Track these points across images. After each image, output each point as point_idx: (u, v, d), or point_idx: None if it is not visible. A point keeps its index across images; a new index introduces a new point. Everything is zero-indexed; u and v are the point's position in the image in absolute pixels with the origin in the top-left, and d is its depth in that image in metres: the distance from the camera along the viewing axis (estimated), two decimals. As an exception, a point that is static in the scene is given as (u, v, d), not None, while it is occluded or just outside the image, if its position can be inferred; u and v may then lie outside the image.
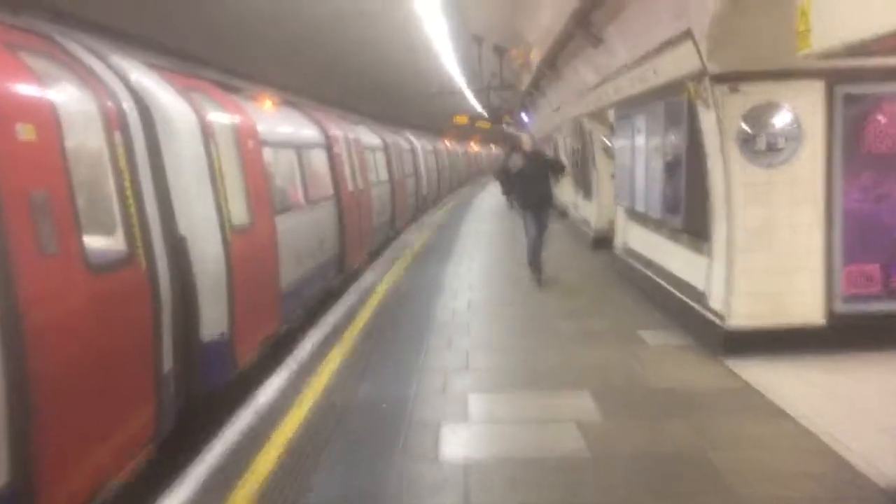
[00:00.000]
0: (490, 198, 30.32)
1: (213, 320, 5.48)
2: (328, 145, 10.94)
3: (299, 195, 9.00)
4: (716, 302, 7.02)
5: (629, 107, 9.91)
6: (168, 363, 4.72)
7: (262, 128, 7.51)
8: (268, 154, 7.72)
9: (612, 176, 11.98)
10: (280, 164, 8.64)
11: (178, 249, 5.08)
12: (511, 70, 20.21)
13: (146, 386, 4.41)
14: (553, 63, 14.03)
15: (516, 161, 10.52)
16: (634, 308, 8.80)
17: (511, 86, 20.83)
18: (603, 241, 13.77)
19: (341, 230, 10.91)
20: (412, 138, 24.25)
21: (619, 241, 11.53)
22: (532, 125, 30.30)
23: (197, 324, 5.30)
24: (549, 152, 24.44)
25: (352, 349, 7.24)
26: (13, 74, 3.38)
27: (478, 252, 14.38)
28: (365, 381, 6.27)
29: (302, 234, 8.58)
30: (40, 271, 3.26)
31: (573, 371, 6.44)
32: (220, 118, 6.39)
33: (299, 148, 9.29)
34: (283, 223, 7.64)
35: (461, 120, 25.67)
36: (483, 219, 21.48)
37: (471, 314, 8.81)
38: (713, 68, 6.58)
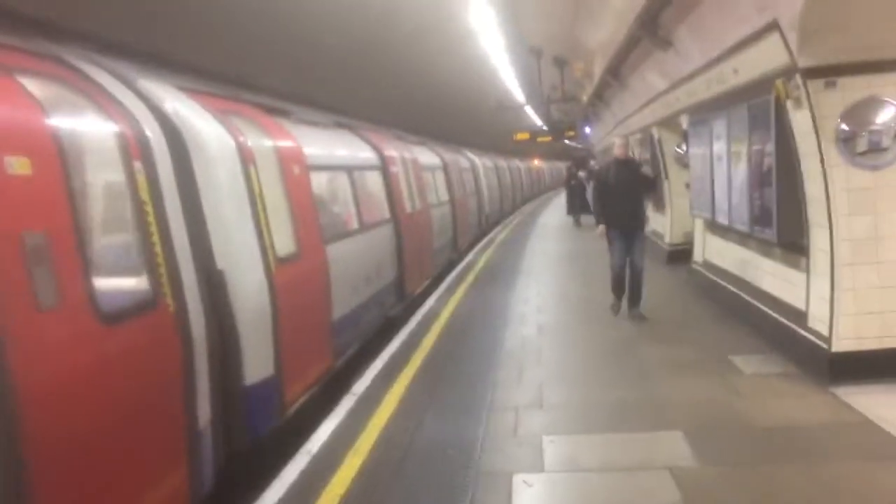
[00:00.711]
0: (555, 214, 29.60)
1: (257, 362, 5.00)
2: (384, 167, 10.49)
3: (353, 220, 8.55)
4: (818, 323, 6.24)
5: (705, 111, 9.18)
6: (204, 415, 4.25)
7: (309, 151, 7.08)
8: (317, 179, 7.30)
9: (687, 186, 11.19)
10: (331, 190, 8.23)
11: (215, 285, 4.64)
12: (573, 82, 19.56)
13: (177, 445, 3.94)
14: (617, 72, 13.38)
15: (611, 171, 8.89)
16: (722, 330, 8.01)
17: (573, 98, 20.14)
18: (678, 256, 12.97)
19: (399, 255, 10.41)
20: (472, 156, 23.71)
21: (697, 256, 10.73)
22: (595, 137, 29.52)
23: (239, 367, 4.82)
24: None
25: (413, 384, 6.70)
26: (4, 100, 2.96)
27: (546, 273, 13.67)
28: (427, 422, 5.70)
29: (356, 262, 8.11)
30: (36, 329, 2.80)
31: (662, 407, 5.73)
32: (261, 143, 5.99)
33: (352, 171, 8.83)
34: (335, 251, 7.17)
35: (522, 136, 25.01)
36: (548, 237, 20.75)
37: (542, 340, 8.17)
38: (805, 62, 5.86)
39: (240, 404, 4.83)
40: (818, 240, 6.19)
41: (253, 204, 5.26)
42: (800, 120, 6.12)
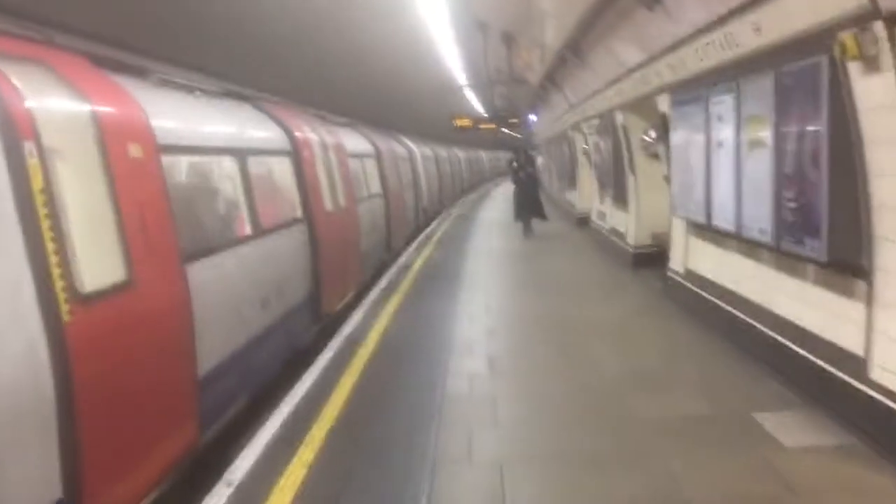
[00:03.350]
0: (497, 206, 27.75)
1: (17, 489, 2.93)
2: (294, 151, 8.18)
3: (241, 224, 6.31)
4: (885, 374, 4.45)
5: (695, 87, 7.34)
6: None
7: (164, 125, 4.88)
8: (176, 166, 5.19)
9: (666, 178, 9.35)
10: (204, 182, 6.00)
11: None
12: (522, 64, 17.63)
13: None
14: (577, 46, 11.51)
15: None
16: (728, 367, 6.21)
17: (520, 80, 18.23)
18: (644, 261, 11.25)
19: (315, 264, 8.17)
20: (410, 144, 21.54)
21: (676, 264, 8.92)
22: (541, 125, 27.77)
23: None
24: (565, 154, 21.91)
25: (317, 464, 4.65)
26: None
27: (493, 279, 11.71)
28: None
29: (243, 283, 5.90)
30: None
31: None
32: (62, 107, 3.81)
33: (244, 156, 6.49)
34: (205, 271, 5.01)
35: (463, 122, 23.05)
36: (492, 232, 18.77)
37: (495, 383, 6.21)
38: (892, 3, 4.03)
39: None
40: (888, 260, 4.39)
41: (25, 206, 3.20)
42: (873, 90, 4.28)
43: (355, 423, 5.28)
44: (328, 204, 9.14)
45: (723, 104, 6.54)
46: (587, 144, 16.85)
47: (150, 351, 4.11)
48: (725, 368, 6.21)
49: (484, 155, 55.26)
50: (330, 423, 5.27)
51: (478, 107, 29.00)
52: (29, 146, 3.28)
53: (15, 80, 3.41)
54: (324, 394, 5.93)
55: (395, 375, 6.44)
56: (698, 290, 8.01)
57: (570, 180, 21.14)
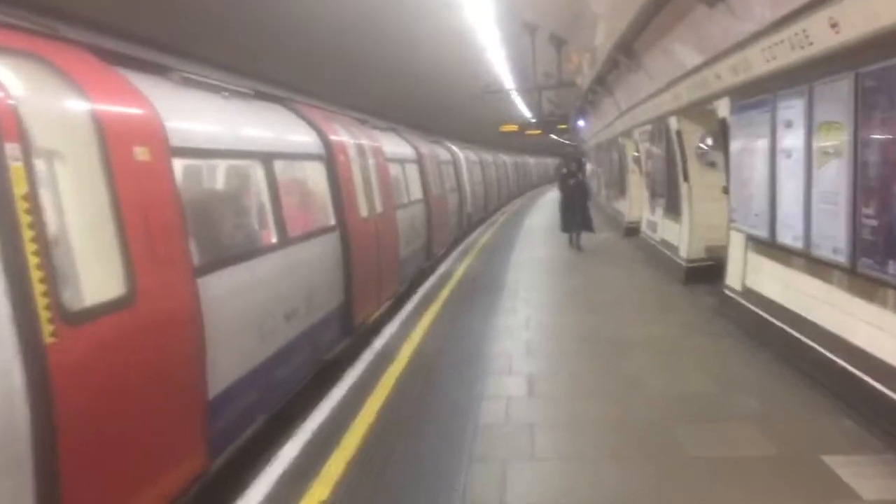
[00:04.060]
0: (544, 213, 27.17)
1: None
2: (328, 156, 7.81)
3: (265, 233, 5.96)
4: None
5: (763, 91, 6.75)
6: None
7: (179, 126, 4.53)
8: (191, 170, 4.89)
9: (724, 189, 8.72)
10: (223, 187, 5.68)
11: None
12: (572, 67, 17.08)
13: None
14: (630, 47, 10.93)
15: None
16: (796, 401, 5.55)
17: (569, 83, 17.63)
18: (698, 275, 10.62)
19: (347, 273, 7.78)
20: (454, 148, 21.10)
21: (733, 281, 8.30)
22: (590, 131, 27.07)
23: None
24: (614, 161, 21.18)
25: (332, 499, 4.22)
26: None
27: (536, 292, 11.16)
28: None
29: (265, 295, 5.51)
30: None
31: None
32: (56, 105, 3.48)
33: (271, 160, 6.08)
34: (221, 284, 4.64)
35: (509, 128, 22.53)
36: (537, 241, 18.23)
37: (533, 408, 5.73)
38: None
39: None
40: None
41: (5, 214, 2.86)
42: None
43: (378, 456, 4.81)
44: (364, 210, 8.76)
45: (792, 109, 5.99)
46: (638, 151, 16.22)
47: (152, 374, 3.74)
48: (788, 400, 5.60)
49: (531, 160, 54.71)
50: (350, 453, 4.84)
51: (525, 112, 28.47)
52: (11, 148, 2.95)
53: (1, 76, 3.10)
54: (347, 418, 5.50)
55: (425, 398, 5.97)
56: (757, 310, 7.41)
57: (620, 188, 20.49)
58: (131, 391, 3.55)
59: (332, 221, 7.63)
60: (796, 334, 6.32)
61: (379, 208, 9.65)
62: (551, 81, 17.78)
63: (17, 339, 2.82)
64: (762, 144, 6.78)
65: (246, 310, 5.07)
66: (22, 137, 3.03)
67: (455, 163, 20.07)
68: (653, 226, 14.39)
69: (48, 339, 2.94)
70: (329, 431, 5.24)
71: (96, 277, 3.41)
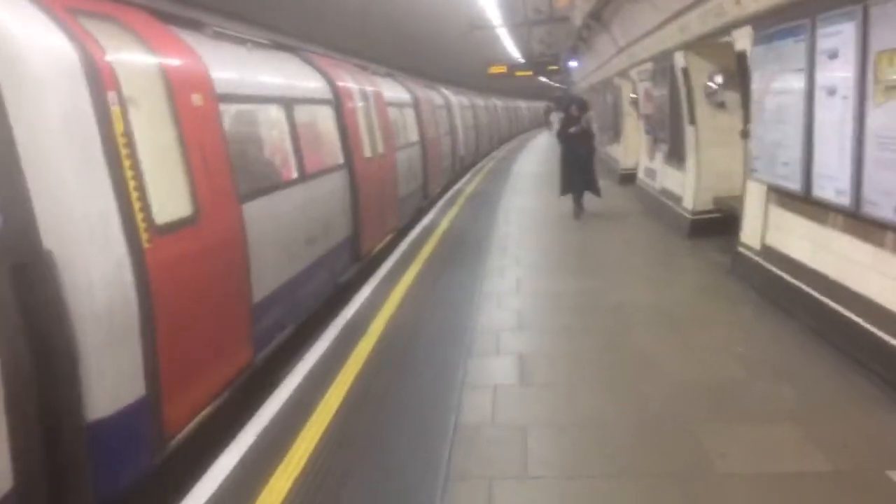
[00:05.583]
0: (535, 158, 26.12)
1: (111, 384, 3.53)
2: (337, 101, 8.64)
3: (288, 168, 6.82)
4: None
5: (797, 15, 5.64)
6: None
7: (222, 76, 5.35)
8: (232, 114, 5.68)
9: (744, 134, 7.64)
10: (255, 129, 6.54)
11: (35, 274, 3.21)
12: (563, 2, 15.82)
13: None
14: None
15: None
16: (843, 393, 4.55)
17: (562, 18, 16.33)
18: (705, 228, 9.67)
19: (354, 208, 8.69)
20: (447, 93, 21.28)
21: (749, 238, 7.33)
22: (582, 73, 25.74)
23: (77, 395, 3.35)
24: (608, 104, 19.85)
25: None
26: None
27: (526, 249, 10.12)
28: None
29: (291, 222, 6.43)
30: None
31: None
32: (138, 61, 4.30)
33: (291, 105, 6.99)
34: (258, 209, 5.52)
35: (498, 69, 21.33)
36: (527, 189, 17.15)
37: (526, 402, 4.78)
38: None
39: (78, 452, 3.35)
40: None
41: (111, 148, 3.66)
42: None
43: (328, 485, 3.83)
44: (368, 151, 9.57)
45: (838, 36, 4.90)
46: (635, 93, 15.08)
47: (212, 278, 4.63)
48: (832, 389, 4.63)
49: (523, 105, 53.91)
50: (293, 475, 3.86)
51: (515, 53, 27.18)
52: (112, 95, 3.72)
53: (97, 37, 3.82)
54: (297, 421, 4.50)
55: (395, 392, 4.91)
56: (780, 273, 6.45)
57: (614, 133, 19.37)
58: (199, 290, 4.41)
59: (342, 160, 8.45)
60: (834, 305, 5.35)
61: (381, 150, 10.42)
62: (542, 16, 16.52)
63: (126, 244, 3.65)
64: (795, 80, 5.69)
65: (277, 233, 5.97)
66: (117, 87, 3.79)
67: (448, 108, 20.38)
68: (652, 173, 13.31)
69: (146, 245, 3.80)
70: (275, 444, 4.23)
71: (172, 200, 4.24)
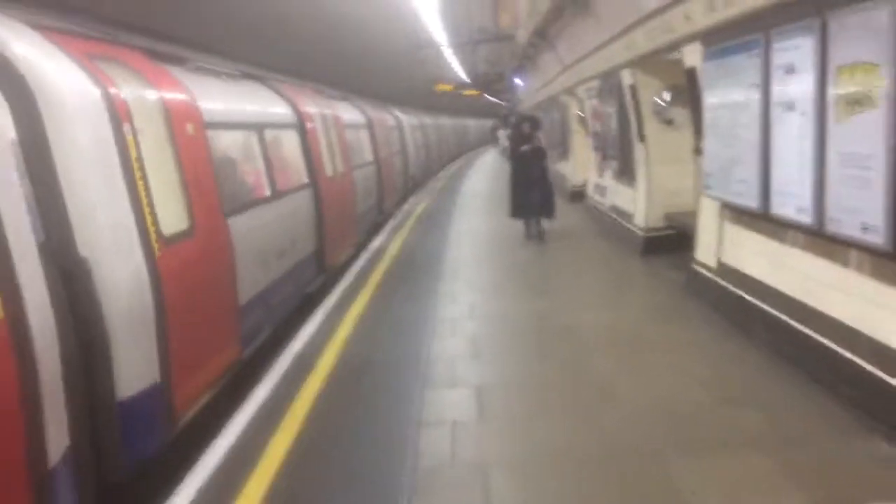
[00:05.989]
0: (483, 176, 26.08)
1: (133, 370, 4.14)
2: (301, 125, 9.35)
3: (263, 187, 7.43)
4: None
5: (750, 31, 5.55)
6: (58, 446, 3.32)
7: (207, 106, 6.05)
8: (217, 140, 6.30)
9: (697, 151, 7.54)
10: (235, 152, 7.07)
11: (75, 278, 3.84)
12: (509, 18, 15.77)
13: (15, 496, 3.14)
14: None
15: None
16: (814, 417, 4.41)
17: (507, 37, 16.32)
18: (658, 244, 9.58)
19: (319, 224, 9.31)
20: (398, 113, 21.99)
21: (705, 256, 7.22)
22: (528, 91, 25.81)
23: (108, 378, 3.99)
24: (555, 121, 19.89)
25: None
26: None
27: (479, 270, 9.92)
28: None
29: (267, 235, 7.07)
30: None
31: None
32: (143, 95, 4.91)
33: (262, 129, 7.72)
34: (241, 224, 6.20)
35: (444, 87, 21.22)
36: (477, 209, 16.98)
37: (485, 439, 4.51)
38: None
39: (111, 423, 4.00)
40: None
41: (128, 172, 4.30)
42: None
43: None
44: (329, 171, 10.21)
45: (796, 50, 4.80)
46: (582, 111, 15.08)
47: (207, 282, 5.26)
48: (802, 413, 4.48)
49: (471, 123, 54.20)
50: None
51: (461, 73, 27.19)
52: (127, 127, 4.38)
53: (112, 77, 4.48)
54: (241, 472, 4.19)
55: (347, 435, 4.63)
56: (737, 291, 6.34)
57: (562, 150, 19.35)
58: (198, 292, 5.05)
59: (307, 179, 9.11)
60: (795, 324, 5.24)
61: (341, 169, 11.08)
62: (487, 35, 16.50)
63: (143, 253, 4.28)
64: (750, 96, 5.60)
65: (256, 246, 6.57)
66: (130, 119, 4.45)
67: (400, 128, 21.06)
68: (602, 190, 13.27)
69: (158, 253, 4.43)
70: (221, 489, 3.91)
71: (175, 215, 4.89)
